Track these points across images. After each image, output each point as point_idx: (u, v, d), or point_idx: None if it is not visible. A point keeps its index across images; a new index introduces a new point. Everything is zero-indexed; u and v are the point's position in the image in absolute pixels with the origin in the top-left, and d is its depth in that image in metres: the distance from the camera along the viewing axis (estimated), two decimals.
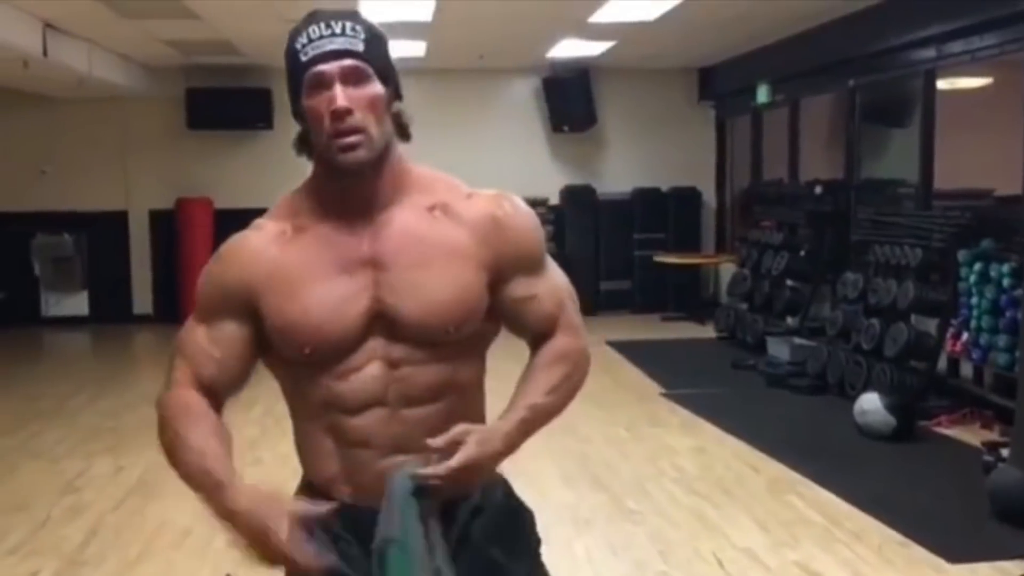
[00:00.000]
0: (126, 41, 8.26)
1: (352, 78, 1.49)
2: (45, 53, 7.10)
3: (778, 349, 7.69)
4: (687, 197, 10.72)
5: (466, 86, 10.41)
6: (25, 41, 6.79)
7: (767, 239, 8.63)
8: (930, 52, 6.67)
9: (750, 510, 4.43)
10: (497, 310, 1.60)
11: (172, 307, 10.12)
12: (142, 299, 10.46)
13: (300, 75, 1.51)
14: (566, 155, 10.71)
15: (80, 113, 9.99)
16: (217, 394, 1.58)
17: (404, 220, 1.55)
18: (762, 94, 9.30)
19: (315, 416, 1.57)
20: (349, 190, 1.55)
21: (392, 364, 1.53)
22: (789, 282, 8.27)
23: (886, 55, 7.18)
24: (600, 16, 7.56)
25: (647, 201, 10.63)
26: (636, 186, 10.67)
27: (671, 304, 10.36)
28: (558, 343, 1.61)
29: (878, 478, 4.91)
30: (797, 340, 7.53)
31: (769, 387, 6.96)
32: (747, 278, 8.77)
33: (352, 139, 1.49)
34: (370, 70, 1.51)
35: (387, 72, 1.54)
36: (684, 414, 6.24)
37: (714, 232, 10.97)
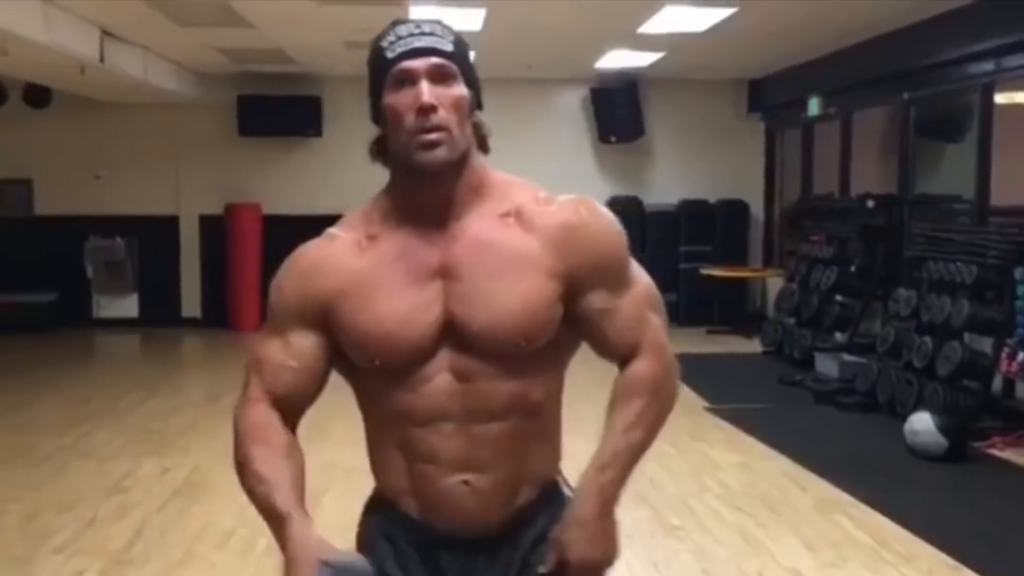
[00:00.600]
0: (180, 48, 8.39)
1: (438, 77, 1.46)
2: (102, 59, 7.24)
3: (826, 365, 7.58)
4: (735, 210, 10.63)
5: (514, 95, 10.40)
6: (83, 48, 6.93)
7: (816, 253, 8.52)
8: (988, 65, 6.55)
9: (796, 529, 4.35)
10: (575, 324, 1.53)
11: (220, 311, 10.27)
12: (190, 303, 10.60)
13: (385, 72, 1.47)
14: (613, 166, 10.67)
15: (134, 119, 10.18)
16: (291, 408, 1.54)
17: (478, 228, 1.50)
18: (814, 106, 9.19)
19: (385, 427, 1.54)
20: (425, 194, 1.50)
21: (462, 377, 1.49)
22: (838, 297, 8.15)
23: (942, 68, 7.06)
24: (649, 27, 7.53)
25: (694, 213, 10.55)
26: (683, 198, 10.60)
27: (717, 317, 10.26)
28: (636, 369, 1.53)
29: (929, 500, 4.81)
30: (846, 356, 7.42)
31: (817, 404, 6.85)
32: (795, 292, 8.66)
33: (434, 136, 1.44)
34: (456, 70, 1.48)
35: (471, 77, 1.52)
36: (729, 429, 6.16)
37: (762, 245, 10.86)
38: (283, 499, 1.45)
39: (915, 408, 5.80)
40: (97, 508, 4.62)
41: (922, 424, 5.45)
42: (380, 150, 1.53)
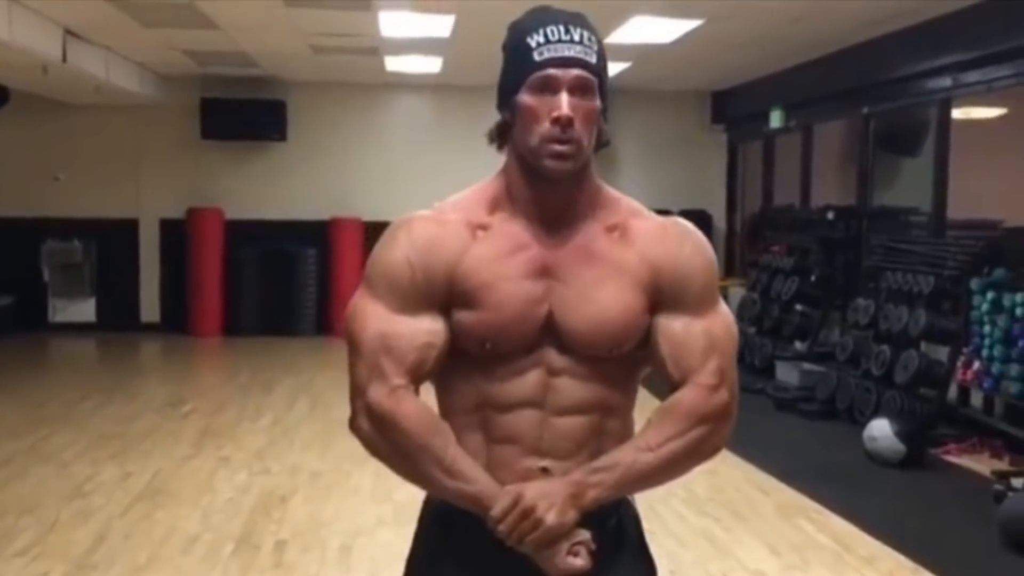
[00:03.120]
0: (144, 49, 8.32)
1: (579, 89, 1.49)
2: (64, 59, 7.15)
3: (787, 374, 7.68)
4: (697, 220, 10.29)
5: (482, 103, 10.34)
6: (46, 47, 6.85)
7: (777, 263, 8.64)
8: (946, 81, 6.70)
9: (760, 533, 4.41)
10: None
11: (179, 316, 10.16)
12: (149, 307, 10.47)
13: (527, 72, 1.50)
14: None
15: (95, 120, 10.05)
16: (418, 389, 1.56)
17: (586, 236, 1.56)
18: (775, 119, 9.33)
19: (467, 412, 1.56)
20: (543, 196, 1.54)
21: (552, 373, 1.54)
22: (799, 307, 8.26)
23: (901, 83, 7.21)
24: (616, 37, 7.59)
25: None
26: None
27: None
28: (681, 397, 1.56)
29: (888, 504, 4.89)
30: (806, 365, 7.52)
31: (778, 411, 6.95)
32: (756, 302, 8.77)
33: (567, 148, 1.49)
34: (596, 84, 1.51)
35: (605, 88, 1.55)
36: None
37: (723, 255, 10.95)
38: (488, 480, 1.50)
39: (874, 415, 5.90)
40: (58, 512, 4.55)
41: (880, 431, 5.55)
42: (500, 135, 1.56)
